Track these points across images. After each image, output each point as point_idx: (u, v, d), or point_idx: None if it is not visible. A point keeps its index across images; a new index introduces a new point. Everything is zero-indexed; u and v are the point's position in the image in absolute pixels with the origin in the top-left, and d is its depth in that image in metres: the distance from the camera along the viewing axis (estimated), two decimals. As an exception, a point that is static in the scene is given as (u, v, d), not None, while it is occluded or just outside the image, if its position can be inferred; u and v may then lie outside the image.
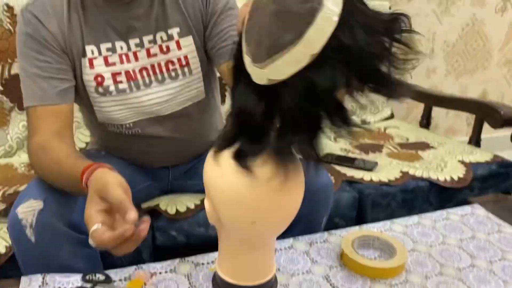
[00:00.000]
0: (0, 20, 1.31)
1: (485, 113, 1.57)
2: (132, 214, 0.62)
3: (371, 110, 1.90)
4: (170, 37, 0.95)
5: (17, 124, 1.39)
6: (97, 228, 0.63)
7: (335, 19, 0.50)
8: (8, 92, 1.37)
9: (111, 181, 0.67)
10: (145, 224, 0.64)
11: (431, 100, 1.84)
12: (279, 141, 0.56)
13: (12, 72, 1.35)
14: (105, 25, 0.92)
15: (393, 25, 0.53)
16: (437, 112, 2.25)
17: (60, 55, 0.90)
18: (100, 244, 0.62)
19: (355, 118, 0.53)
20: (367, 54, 0.51)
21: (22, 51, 0.89)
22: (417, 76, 2.17)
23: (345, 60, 0.50)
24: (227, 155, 0.60)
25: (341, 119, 0.53)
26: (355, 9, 0.51)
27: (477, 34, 2.25)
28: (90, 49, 0.92)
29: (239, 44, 0.58)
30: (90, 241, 0.63)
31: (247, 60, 0.56)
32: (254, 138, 0.57)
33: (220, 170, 0.62)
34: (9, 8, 1.32)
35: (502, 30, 2.28)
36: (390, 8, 1.89)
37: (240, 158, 0.58)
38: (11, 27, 1.33)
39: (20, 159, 1.38)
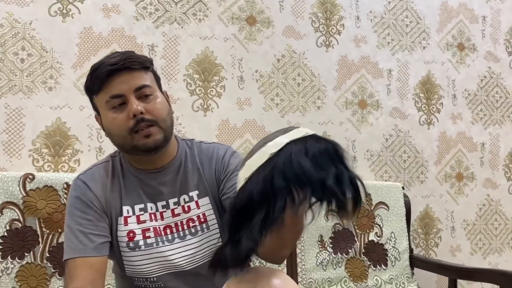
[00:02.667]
0: (59, 196, 1.55)
1: (508, 283, 1.56)
2: None
3: (396, 285, 1.89)
4: (191, 199, 1.12)
5: (55, 289, 1.50)
6: None
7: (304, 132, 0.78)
8: (53, 259, 1.51)
9: None
10: None
11: (455, 273, 1.84)
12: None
13: (60, 240, 1.52)
14: (139, 190, 1.11)
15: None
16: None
17: (101, 214, 1.08)
18: None
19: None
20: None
21: (69, 211, 1.08)
22: (443, 255, 2.20)
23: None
24: None
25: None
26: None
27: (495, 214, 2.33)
28: (126, 209, 1.10)
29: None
30: None
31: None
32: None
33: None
34: (68, 186, 1.56)
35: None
36: (403, 188, 2.05)
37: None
38: (66, 202, 1.55)
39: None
